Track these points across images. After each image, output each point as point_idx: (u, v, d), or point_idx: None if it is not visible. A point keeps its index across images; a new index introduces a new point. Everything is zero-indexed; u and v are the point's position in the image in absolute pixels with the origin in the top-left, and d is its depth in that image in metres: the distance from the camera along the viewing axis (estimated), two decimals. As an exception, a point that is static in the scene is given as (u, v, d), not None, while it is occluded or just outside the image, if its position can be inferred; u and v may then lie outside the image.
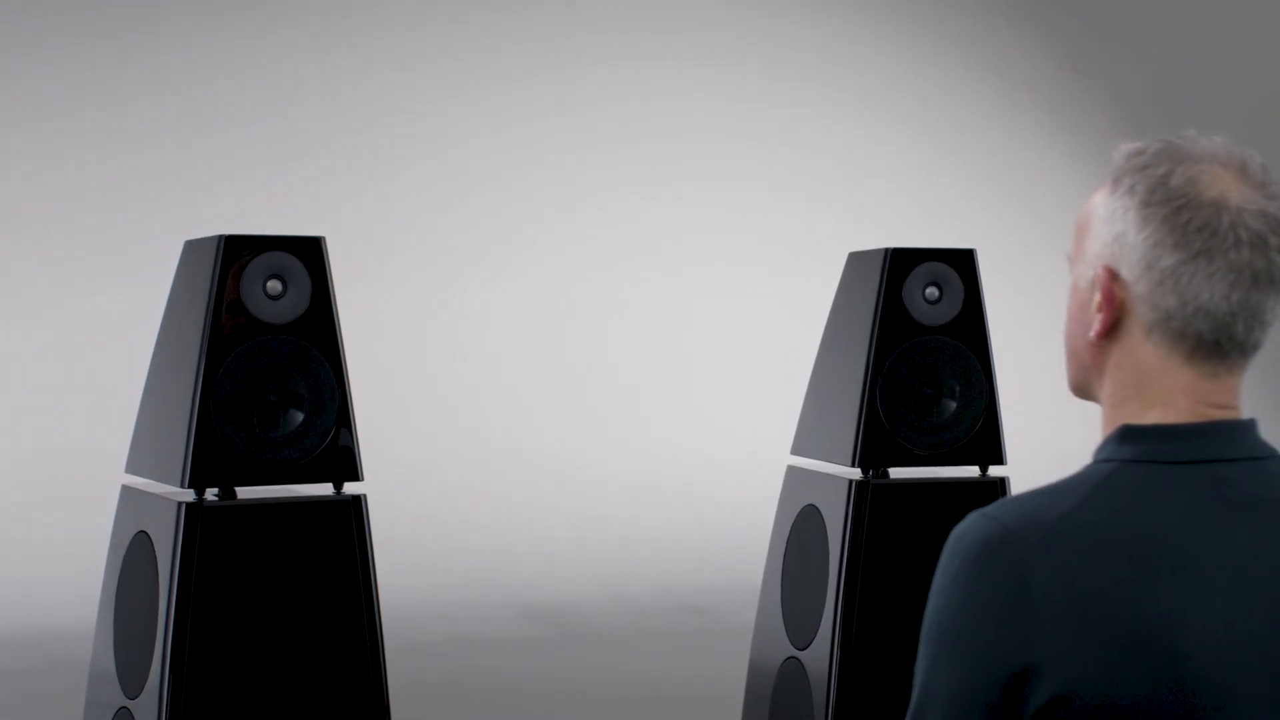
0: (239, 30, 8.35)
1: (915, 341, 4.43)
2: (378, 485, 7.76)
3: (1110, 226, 1.67)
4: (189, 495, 3.71)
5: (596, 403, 8.64)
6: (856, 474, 4.44)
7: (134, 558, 3.82)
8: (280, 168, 8.31)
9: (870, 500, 4.37)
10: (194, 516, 3.62)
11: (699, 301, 9.01)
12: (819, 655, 4.39)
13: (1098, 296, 1.68)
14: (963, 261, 4.50)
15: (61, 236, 7.89)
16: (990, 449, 4.48)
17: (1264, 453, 1.67)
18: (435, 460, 8.19)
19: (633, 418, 8.66)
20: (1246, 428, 1.67)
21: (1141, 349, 1.67)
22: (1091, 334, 1.70)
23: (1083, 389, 1.77)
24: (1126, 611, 1.55)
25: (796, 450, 4.74)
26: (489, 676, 6.33)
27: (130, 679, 3.76)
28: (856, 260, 4.60)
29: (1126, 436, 1.66)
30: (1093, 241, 1.70)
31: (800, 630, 4.51)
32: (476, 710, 5.89)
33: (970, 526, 1.62)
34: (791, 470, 4.73)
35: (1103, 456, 1.67)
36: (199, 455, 3.63)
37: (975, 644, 1.58)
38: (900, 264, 4.45)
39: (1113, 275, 1.67)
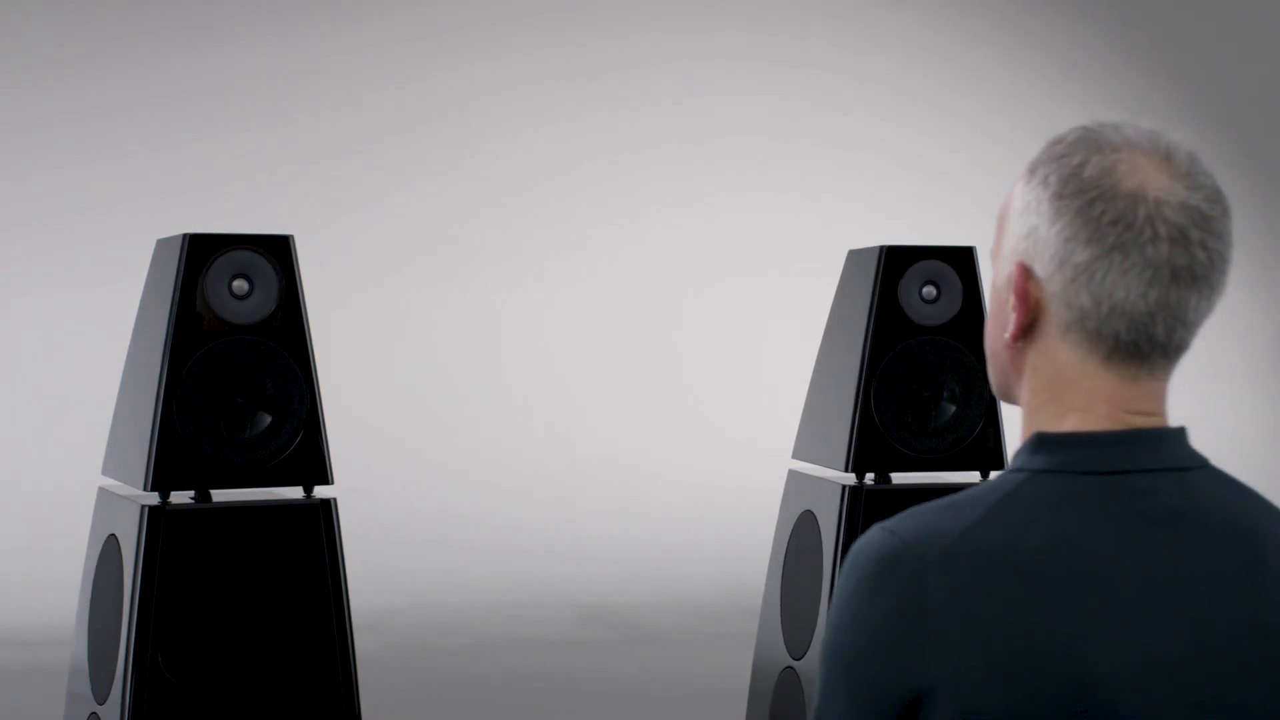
0: (287, 25, 8.29)
1: (912, 342, 4.30)
2: (423, 490, 7.78)
3: (1024, 220, 1.58)
4: (156, 498, 3.64)
5: (648, 403, 8.55)
6: (851, 479, 4.32)
7: (105, 561, 3.76)
8: (312, 166, 8.26)
9: (864, 506, 4.25)
10: (156, 520, 3.54)
11: (761, 297, 8.90)
12: (813, 666, 4.28)
13: (1012, 295, 1.58)
14: (961, 259, 4.37)
15: (62, 229, 7.87)
16: (991, 453, 4.35)
17: (1190, 463, 1.56)
18: (480, 465, 8.15)
19: (689, 418, 8.57)
20: (1171, 436, 1.56)
21: (1058, 351, 1.57)
22: (1006, 334, 1.60)
23: (1004, 392, 1.68)
24: (1028, 634, 1.45)
25: (797, 454, 4.63)
26: (544, 679, 6.32)
27: (99, 684, 3.70)
28: (855, 258, 4.48)
29: (1040, 445, 1.56)
30: (1009, 236, 1.61)
31: (796, 640, 4.40)
32: (527, 712, 5.86)
33: (869, 541, 1.53)
34: (791, 475, 4.62)
35: (1015, 466, 1.57)
36: (162, 458, 3.55)
37: (870, 666, 1.48)
38: (895, 262, 4.32)
39: (1027, 272, 1.57)
